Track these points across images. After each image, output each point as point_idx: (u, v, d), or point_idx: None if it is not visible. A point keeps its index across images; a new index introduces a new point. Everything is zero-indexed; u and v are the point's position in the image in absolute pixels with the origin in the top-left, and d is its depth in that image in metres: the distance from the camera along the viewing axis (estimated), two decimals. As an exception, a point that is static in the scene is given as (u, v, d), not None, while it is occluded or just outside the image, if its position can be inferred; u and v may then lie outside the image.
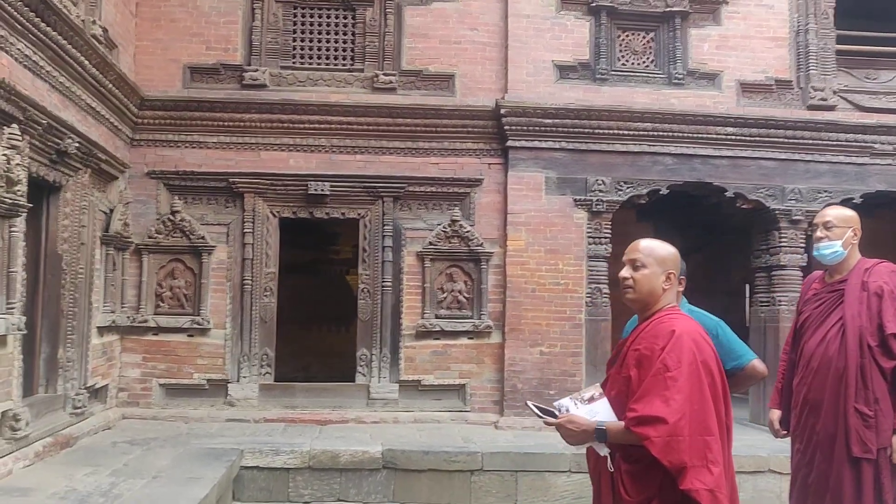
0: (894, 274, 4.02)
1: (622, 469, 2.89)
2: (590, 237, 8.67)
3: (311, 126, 8.56)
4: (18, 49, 5.80)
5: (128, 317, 8.25)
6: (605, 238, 8.69)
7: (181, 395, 8.40)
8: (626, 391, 2.97)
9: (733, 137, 8.75)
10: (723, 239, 11.78)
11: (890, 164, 8.95)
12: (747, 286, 11.13)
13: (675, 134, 8.72)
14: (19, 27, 5.74)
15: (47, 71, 6.32)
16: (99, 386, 7.77)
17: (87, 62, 6.93)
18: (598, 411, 3.02)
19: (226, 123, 8.49)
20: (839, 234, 4.07)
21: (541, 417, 3.12)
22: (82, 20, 6.85)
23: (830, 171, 8.92)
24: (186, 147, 8.51)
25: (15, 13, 5.61)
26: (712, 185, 8.86)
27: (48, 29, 6.12)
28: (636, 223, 11.15)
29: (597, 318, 8.59)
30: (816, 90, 8.86)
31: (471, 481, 7.08)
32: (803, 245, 8.77)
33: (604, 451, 2.97)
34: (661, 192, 8.82)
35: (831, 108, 8.89)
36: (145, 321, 8.31)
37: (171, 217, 8.40)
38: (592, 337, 8.56)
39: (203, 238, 8.43)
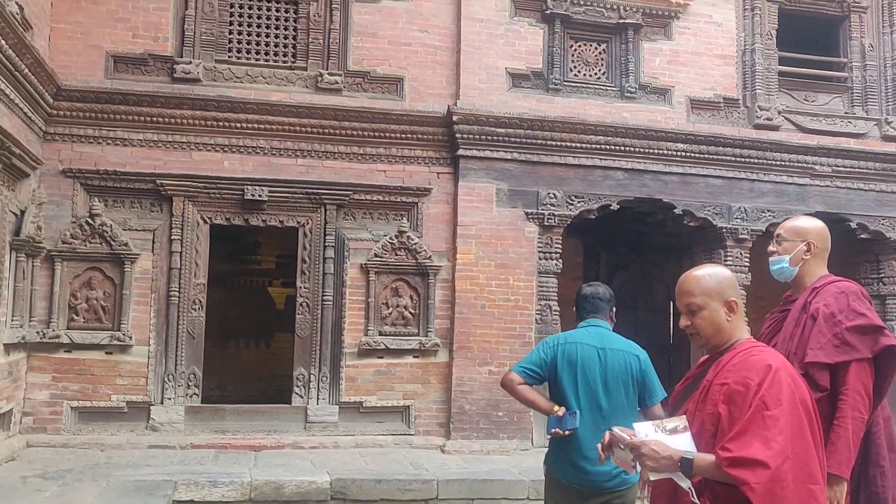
0: (842, 296, 3.39)
1: (709, 508, 2.57)
2: (540, 252, 8.39)
3: (249, 126, 7.91)
4: (-72, 21, 4.97)
5: (37, 332, 7.34)
6: (556, 253, 8.43)
7: (96, 419, 7.53)
8: (712, 429, 2.65)
9: (683, 154, 8.67)
10: (649, 256, 11.77)
11: (828, 186, 9.09)
12: (672, 303, 11.15)
13: (627, 148, 8.57)
14: (-69, -5, 4.92)
15: (-42, 49, 5.48)
16: (3, 411, 6.84)
17: (2, 42, 6.09)
18: (680, 444, 2.68)
19: (154, 119, 7.72)
20: (788, 249, 3.51)
21: (619, 438, 2.75)
22: (-4, -6, 6.01)
23: (774, 191, 8.97)
24: (108, 144, 7.68)
25: (-72, -22, 4.80)
26: (662, 202, 8.75)
27: (-37, 1, 5.30)
28: (566, 239, 10.99)
29: (547, 336, 8.26)
30: (762, 109, 8.90)
31: (426, 511, 6.62)
32: (747, 264, 8.78)
33: (685, 483, 2.66)
34: (611, 208, 8.64)
35: (776, 128, 8.96)
36: (57, 336, 7.41)
37: (90, 221, 7.55)
38: (540, 356, 8.22)
39: (125, 245, 7.62)
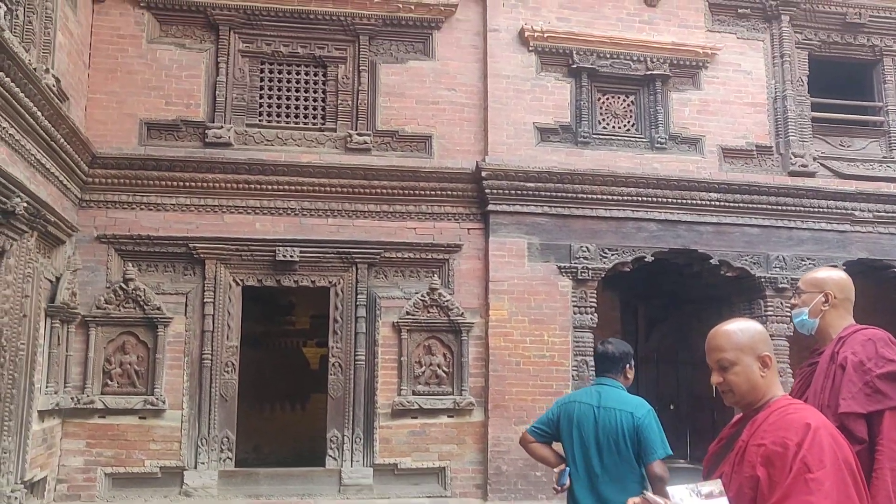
0: (869, 343, 3.24)
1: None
2: (575, 306, 8.25)
3: (280, 187, 7.97)
4: (-34, 95, 5.10)
5: (72, 398, 7.35)
6: (591, 307, 8.29)
7: (130, 485, 7.48)
8: (751, 493, 2.51)
9: (717, 203, 8.54)
10: (687, 308, 11.53)
11: (870, 232, 8.86)
12: (713, 356, 10.84)
13: (660, 199, 8.46)
14: (-31, 71, 5.07)
15: (-4, 121, 5.61)
16: (37, 479, 6.82)
17: (39, 113, 6.23)
18: None
19: (186, 184, 7.83)
20: (807, 301, 3.36)
21: (653, 503, 2.64)
22: (34, 67, 6.17)
23: (812, 239, 8.77)
24: (142, 209, 7.78)
25: (-35, 54, 4.94)
26: (697, 253, 8.60)
27: (1, 74, 5.44)
28: (602, 293, 10.84)
29: (584, 393, 8.09)
30: (797, 156, 8.76)
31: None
32: (790, 314, 8.52)
33: None
34: (645, 260, 8.50)
35: (811, 175, 8.80)
36: (91, 402, 7.42)
37: (124, 286, 7.61)
38: (579, 413, 8.03)
39: (159, 309, 7.65)
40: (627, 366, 3.99)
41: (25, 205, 6.06)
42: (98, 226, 7.72)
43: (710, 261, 8.60)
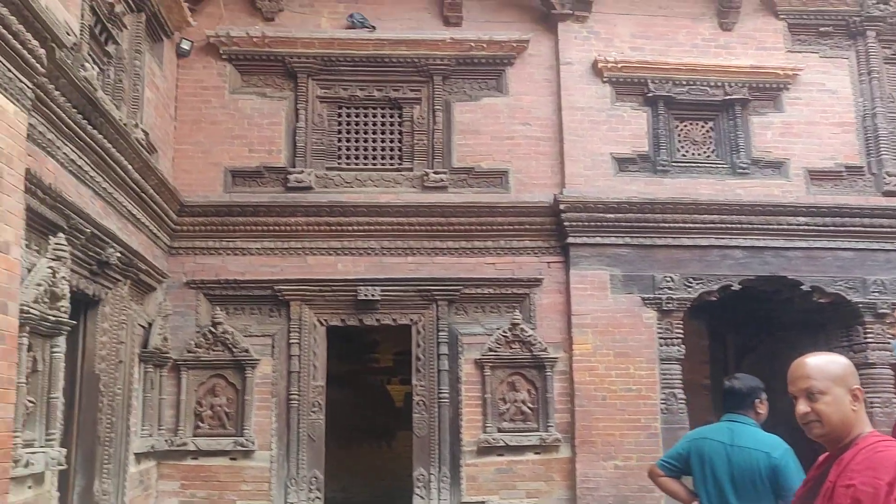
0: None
1: None
2: (661, 338, 8.06)
3: (360, 228, 8.09)
4: (64, 153, 5.36)
5: (166, 440, 7.56)
6: (678, 339, 8.09)
7: (222, 525, 7.61)
8: (840, 537, 2.35)
9: (806, 227, 8.25)
10: (780, 336, 11.10)
11: (974, 251, 8.40)
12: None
13: (744, 226, 8.23)
14: (66, 130, 5.33)
15: (91, 176, 5.87)
16: (134, 520, 7.01)
17: (129, 166, 6.51)
18: None
19: (270, 228, 8.03)
20: None
21: None
22: (124, 123, 6.46)
23: (913, 261, 8.37)
24: (228, 254, 8.01)
25: (63, 115, 5.20)
26: (787, 279, 8.30)
27: (94, 132, 5.71)
28: (688, 323, 10.55)
29: (674, 426, 7.87)
30: (891, 175, 8.41)
31: None
32: (891, 340, 8.14)
33: None
34: (732, 288, 8.26)
35: (908, 194, 8.42)
36: (184, 444, 7.61)
37: (213, 329, 7.82)
38: (671, 447, 7.77)
39: (246, 351, 7.82)
40: (757, 400, 3.86)
41: (119, 255, 6.31)
42: (187, 272, 7.97)
43: (802, 287, 8.29)
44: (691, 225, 8.19)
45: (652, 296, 8.08)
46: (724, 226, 8.22)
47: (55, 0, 5.03)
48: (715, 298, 8.31)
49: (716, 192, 8.33)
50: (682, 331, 8.13)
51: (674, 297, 8.07)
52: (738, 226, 8.23)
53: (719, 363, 11.27)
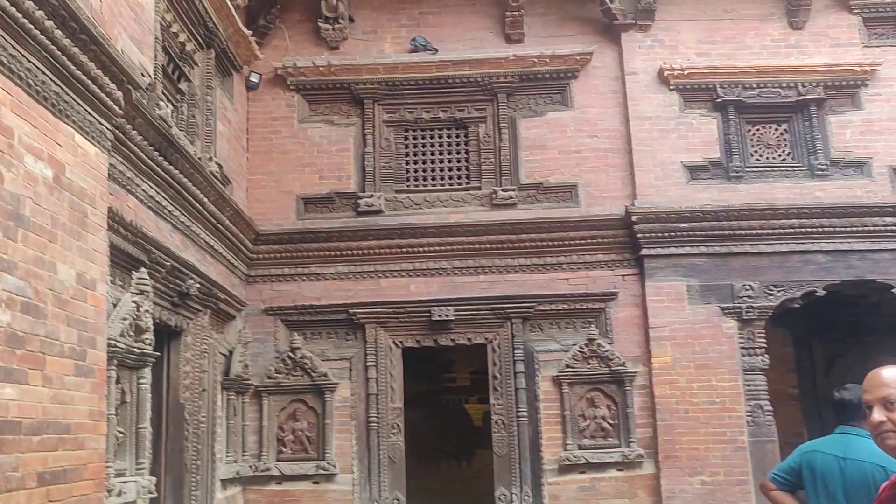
0: None
1: None
2: (742, 348, 7.85)
3: (431, 249, 8.13)
4: (143, 190, 5.55)
5: (250, 466, 7.70)
6: (761, 348, 7.86)
7: (308, 549, 7.69)
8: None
9: (893, 228, 7.92)
10: (870, 340, 10.65)
11: None
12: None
13: (826, 229, 7.96)
14: (144, 168, 5.52)
15: (169, 210, 6.06)
16: (224, 545, 7.15)
17: (205, 199, 6.70)
18: None
19: (343, 253, 8.14)
20: None
21: None
22: (199, 157, 6.66)
23: None
24: (304, 280, 8.15)
25: (141, 153, 5.39)
26: (875, 283, 7.98)
27: (171, 168, 5.90)
28: (771, 331, 10.24)
29: (762, 440, 7.64)
30: (985, 168, 8.02)
31: None
32: None
33: None
34: (816, 294, 7.98)
35: None
36: (268, 469, 7.74)
37: (291, 355, 7.95)
38: (759, 461, 7.56)
39: (325, 375, 7.92)
40: None
41: (199, 285, 6.49)
42: (264, 299, 8.13)
43: (893, 290, 7.95)
44: (769, 231, 7.96)
45: (731, 305, 7.87)
46: (804, 230, 7.96)
47: (130, 43, 5.24)
48: (798, 305, 8.05)
49: (794, 195, 8.09)
50: (764, 340, 7.90)
51: (754, 305, 7.85)
52: (820, 229, 7.95)
53: (806, 371, 10.88)
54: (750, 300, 7.88)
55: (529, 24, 8.57)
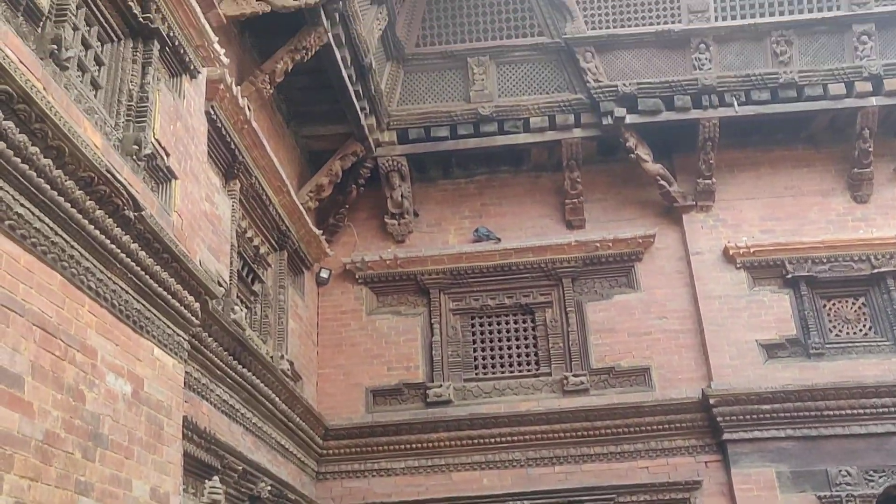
0: None
1: None
2: (846, 543, 7.23)
3: (502, 439, 7.91)
4: (217, 395, 5.59)
5: None
6: (868, 545, 7.23)
7: None
8: None
9: None
10: None
11: None
12: None
13: (926, 405, 7.52)
14: (218, 372, 5.59)
15: (242, 413, 6.07)
16: None
17: (277, 399, 6.70)
18: None
19: (412, 446, 7.97)
20: None
21: None
22: (271, 356, 6.74)
23: None
24: (373, 476, 7.95)
25: (215, 358, 5.47)
26: (984, 459, 7.41)
27: (244, 370, 5.96)
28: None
29: None
30: None
31: None
32: None
33: None
34: (926, 478, 7.43)
35: None
36: None
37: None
38: None
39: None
40: None
41: (270, 488, 6.36)
42: (335, 497, 7.93)
43: None
44: (860, 411, 7.55)
45: (829, 493, 7.34)
46: (899, 409, 7.54)
47: (208, 254, 5.46)
48: (903, 491, 7.48)
49: (882, 371, 7.74)
50: (870, 535, 7.29)
51: (854, 493, 7.31)
52: (917, 407, 7.53)
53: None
54: (849, 487, 7.35)
55: (589, 210, 8.74)
